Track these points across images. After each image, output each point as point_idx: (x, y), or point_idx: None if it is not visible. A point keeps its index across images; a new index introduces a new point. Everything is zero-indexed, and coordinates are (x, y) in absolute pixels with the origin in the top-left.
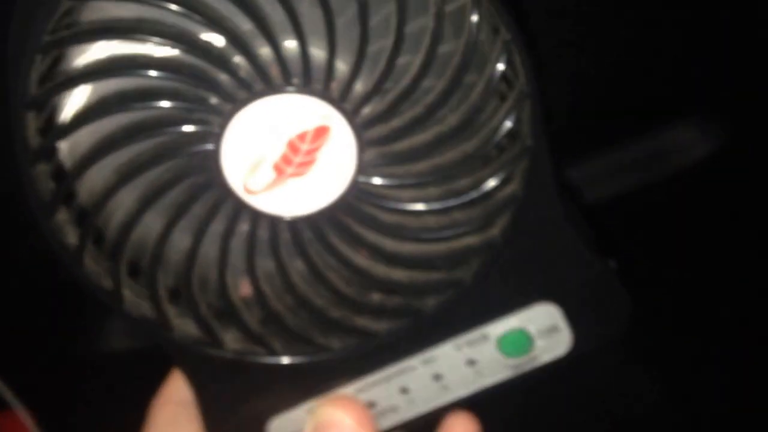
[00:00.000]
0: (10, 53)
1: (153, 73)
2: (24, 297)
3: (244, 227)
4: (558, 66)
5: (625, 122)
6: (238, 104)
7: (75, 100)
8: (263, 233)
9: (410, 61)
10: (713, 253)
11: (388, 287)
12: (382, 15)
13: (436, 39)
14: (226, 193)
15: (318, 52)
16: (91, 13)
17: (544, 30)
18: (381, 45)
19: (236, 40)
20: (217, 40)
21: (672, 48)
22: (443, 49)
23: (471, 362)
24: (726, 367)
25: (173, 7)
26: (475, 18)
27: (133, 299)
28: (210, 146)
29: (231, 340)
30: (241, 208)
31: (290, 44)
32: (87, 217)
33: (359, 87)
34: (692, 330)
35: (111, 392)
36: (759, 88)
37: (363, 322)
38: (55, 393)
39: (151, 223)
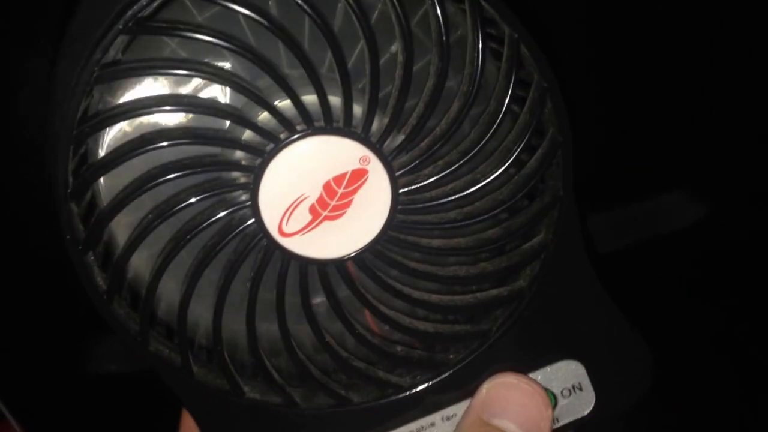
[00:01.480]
0: (56, 92)
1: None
2: (20, 312)
3: (273, 273)
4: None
5: (622, 185)
6: (280, 144)
7: (111, 139)
8: (293, 277)
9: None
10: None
11: (413, 337)
12: (419, 64)
13: (474, 91)
14: (260, 232)
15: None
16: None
17: None
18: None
19: (283, 83)
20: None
21: (674, 121)
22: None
23: None
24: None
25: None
26: (513, 76)
27: (156, 343)
28: (249, 183)
29: (249, 388)
30: (273, 249)
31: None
32: (117, 264)
33: (395, 134)
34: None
35: (100, 411)
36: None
37: (385, 374)
38: (46, 409)
39: (175, 274)
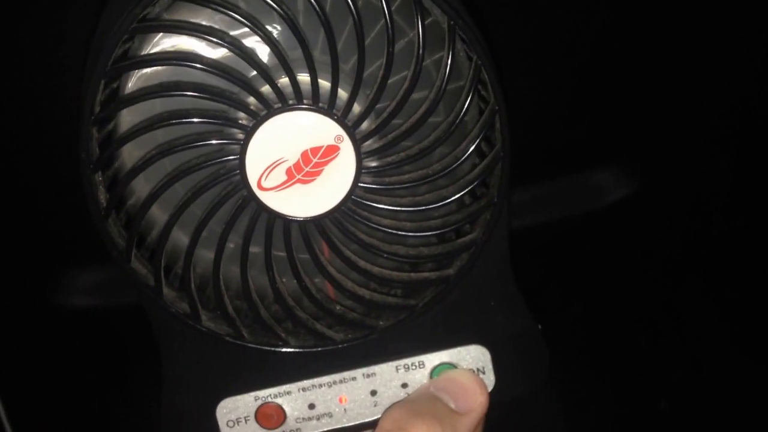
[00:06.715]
0: (98, 35)
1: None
2: None
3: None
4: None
5: (549, 161)
6: (272, 112)
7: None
8: (261, 229)
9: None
10: (612, 288)
11: (352, 300)
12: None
13: (439, 100)
14: (241, 183)
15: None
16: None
17: None
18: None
19: (285, 64)
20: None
21: (600, 99)
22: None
23: (404, 385)
24: (617, 394)
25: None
26: (467, 100)
27: (137, 262)
28: (241, 140)
29: (207, 318)
30: (250, 199)
31: (324, 82)
32: (118, 185)
33: (368, 122)
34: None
35: (66, 344)
36: (675, 143)
37: (323, 327)
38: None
39: (168, 207)
